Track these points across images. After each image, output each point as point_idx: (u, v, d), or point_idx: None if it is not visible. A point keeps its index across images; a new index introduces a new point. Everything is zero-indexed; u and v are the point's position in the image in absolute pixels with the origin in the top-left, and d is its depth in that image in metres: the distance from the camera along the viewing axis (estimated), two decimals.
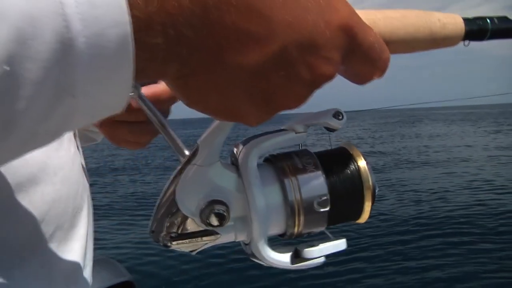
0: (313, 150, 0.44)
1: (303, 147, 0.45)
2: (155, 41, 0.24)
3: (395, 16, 0.38)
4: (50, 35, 0.20)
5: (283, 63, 0.29)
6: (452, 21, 0.40)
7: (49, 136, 0.25)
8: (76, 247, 0.48)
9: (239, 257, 3.99)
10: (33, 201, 0.41)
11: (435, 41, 0.40)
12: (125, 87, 0.25)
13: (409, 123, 30.92)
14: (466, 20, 0.41)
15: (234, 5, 0.25)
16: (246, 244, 0.43)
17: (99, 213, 6.25)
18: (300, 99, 0.32)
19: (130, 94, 0.26)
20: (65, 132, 0.26)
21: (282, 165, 0.41)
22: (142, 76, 0.26)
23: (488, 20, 0.42)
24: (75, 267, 0.48)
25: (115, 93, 0.25)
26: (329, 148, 0.45)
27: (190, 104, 0.30)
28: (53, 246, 0.44)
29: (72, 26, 0.21)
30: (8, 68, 0.20)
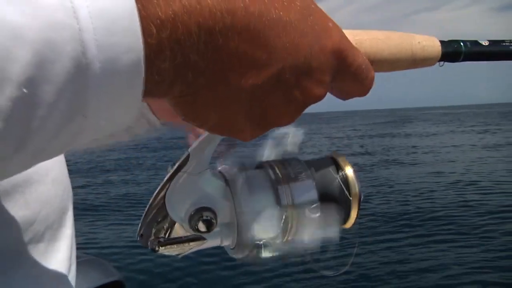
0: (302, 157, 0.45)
1: (293, 156, 0.47)
2: (164, 66, 0.25)
3: (380, 37, 0.40)
4: (68, 60, 0.21)
5: (280, 85, 0.30)
6: (430, 43, 0.42)
7: (56, 151, 0.26)
8: (63, 247, 0.49)
9: None
10: (28, 201, 0.42)
11: (414, 62, 0.42)
12: (133, 108, 0.26)
13: (399, 123, 31.15)
14: (442, 43, 0.44)
15: (238, 32, 0.27)
16: (231, 249, 0.44)
17: (94, 214, 6.20)
18: (291, 117, 0.34)
19: None
20: (71, 147, 0.27)
21: (275, 172, 0.42)
22: (149, 96, 0.27)
23: (462, 44, 0.44)
24: (62, 267, 0.49)
25: (123, 113, 0.26)
26: (318, 157, 0.47)
27: (188, 119, 0.31)
28: (42, 246, 0.45)
29: (88, 51, 0.22)
30: (26, 91, 0.20)
